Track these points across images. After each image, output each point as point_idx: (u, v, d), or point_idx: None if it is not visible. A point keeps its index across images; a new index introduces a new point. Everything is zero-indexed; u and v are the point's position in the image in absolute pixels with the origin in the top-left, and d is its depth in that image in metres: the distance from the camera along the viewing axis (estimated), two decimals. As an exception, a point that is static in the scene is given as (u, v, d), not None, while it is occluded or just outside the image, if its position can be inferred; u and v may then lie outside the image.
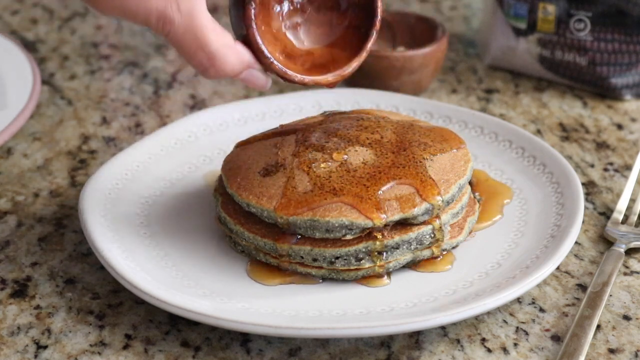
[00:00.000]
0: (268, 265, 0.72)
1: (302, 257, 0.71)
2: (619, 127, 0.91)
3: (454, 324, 0.69)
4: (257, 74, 0.71)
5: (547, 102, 0.95)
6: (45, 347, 0.68)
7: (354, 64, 0.73)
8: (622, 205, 0.79)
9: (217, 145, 0.85)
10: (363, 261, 0.70)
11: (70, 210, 0.81)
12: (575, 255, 0.76)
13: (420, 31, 0.97)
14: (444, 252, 0.73)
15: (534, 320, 0.70)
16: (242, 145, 0.78)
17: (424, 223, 0.71)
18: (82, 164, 0.87)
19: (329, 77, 0.72)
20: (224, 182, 0.75)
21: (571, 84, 0.97)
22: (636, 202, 0.80)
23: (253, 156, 0.75)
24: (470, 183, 0.78)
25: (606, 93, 0.95)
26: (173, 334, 0.69)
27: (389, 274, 0.71)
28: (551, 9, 0.94)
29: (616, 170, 0.85)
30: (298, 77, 0.71)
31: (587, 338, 0.66)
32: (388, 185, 0.71)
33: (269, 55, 0.70)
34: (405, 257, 0.71)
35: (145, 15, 0.66)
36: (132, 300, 0.72)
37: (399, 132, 0.75)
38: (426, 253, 0.72)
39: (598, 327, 0.69)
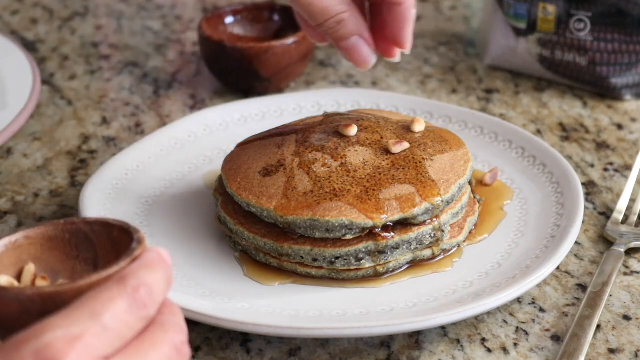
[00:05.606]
0: (266, 265, 0.72)
1: (302, 257, 0.70)
2: (619, 127, 0.91)
3: (454, 324, 0.69)
4: (366, 46, 0.70)
5: (547, 102, 0.95)
6: (45, 347, 0.68)
7: None
8: (622, 205, 0.79)
9: (217, 145, 0.85)
10: (363, 261, 0.70)
11: (70, 210, 0.81)
12: (575, 255, 0.76)
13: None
14: (444, 252, 0.73)
15: (534, 320, 0.70)
16: (242, 145, 0.78)
17: (424, 223, 0.71)
18: (82, 164, 0.87)
19: None
20: (224, 182, 0.75)
21: (571, 84, 0.97)
22: (636, 202, 0.80)
23: (253, 156, 0.75)
24: (469, 183, 0.78)
25: (606, 93, 0.95)
26: (173, 334, 0.69)
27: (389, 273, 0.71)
28: (551, 9, 0.94)
29: (616, 170, 0.85)
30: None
31: (587, 338, 0.66)
32: (388, 186, 0.71)
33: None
34: (405, 257, 0.71)
35: None
36: (132, 300, 0.72)
37: (399, 132, 0.75)
38: (426, 253, 0.72)
39: (598, 327, 0.69)
